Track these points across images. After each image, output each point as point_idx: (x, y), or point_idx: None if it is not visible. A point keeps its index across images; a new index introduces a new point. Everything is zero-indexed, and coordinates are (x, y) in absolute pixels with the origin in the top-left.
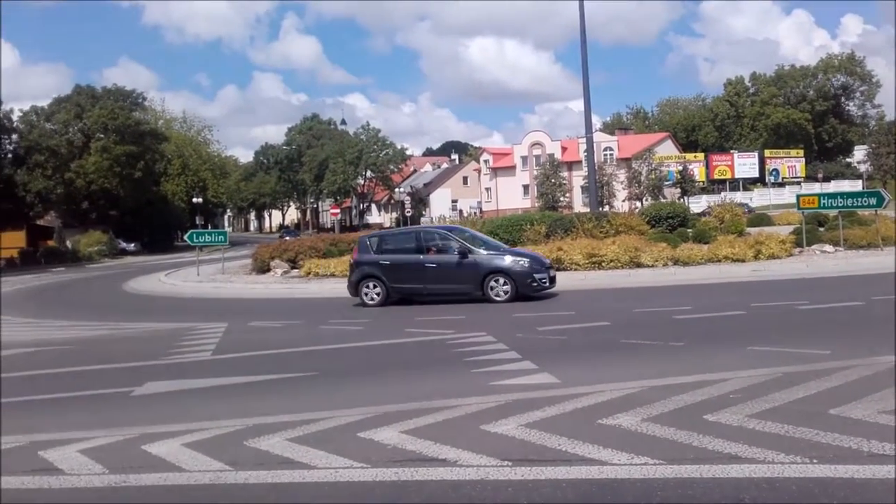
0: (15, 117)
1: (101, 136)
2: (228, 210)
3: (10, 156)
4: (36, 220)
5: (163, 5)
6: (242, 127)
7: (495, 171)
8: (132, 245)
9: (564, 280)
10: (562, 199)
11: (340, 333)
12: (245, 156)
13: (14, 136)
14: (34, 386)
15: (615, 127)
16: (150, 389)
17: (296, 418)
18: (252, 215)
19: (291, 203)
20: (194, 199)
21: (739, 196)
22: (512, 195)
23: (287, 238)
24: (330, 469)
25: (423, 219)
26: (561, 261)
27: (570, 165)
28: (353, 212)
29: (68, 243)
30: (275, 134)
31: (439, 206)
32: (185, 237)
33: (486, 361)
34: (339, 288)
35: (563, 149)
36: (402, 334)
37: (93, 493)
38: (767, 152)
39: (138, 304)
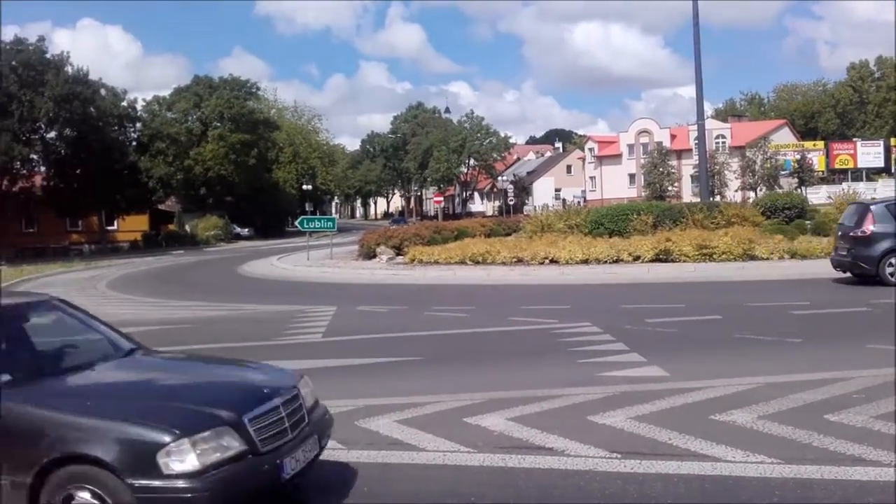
0: (139, 106)
1: (218, 124)
2: (336, 197)
3: (134, 143)
4: (158, 205)
5: None
6: (349, 115)
7: (600, 160)
8: (246, 230)
9: (673, 272)
10: (670, 188)
11: (444, 320)
12: (352, 144)
13: (138, 125)
14: None
15: (728, 114)
16: None
17: (403, 401)
18: (358, 202)
19: (396, 190)
20: (304, 186)
21: (862, 186)
22: (617, 184)
23: (394, 226)
24: (438, 452)
25: (526, 207)
26: (669, 252)
27: (680, 154)
28: (456, 200)
29: (187, 227)
30: (380, 122)
31: (542, 194)
32: (297, 223)
33: (592, 352)
34: (443, 275)
35: (672, 136)
36: (506, 322)
37: None
38: (894, 140)
39: (252, 287)
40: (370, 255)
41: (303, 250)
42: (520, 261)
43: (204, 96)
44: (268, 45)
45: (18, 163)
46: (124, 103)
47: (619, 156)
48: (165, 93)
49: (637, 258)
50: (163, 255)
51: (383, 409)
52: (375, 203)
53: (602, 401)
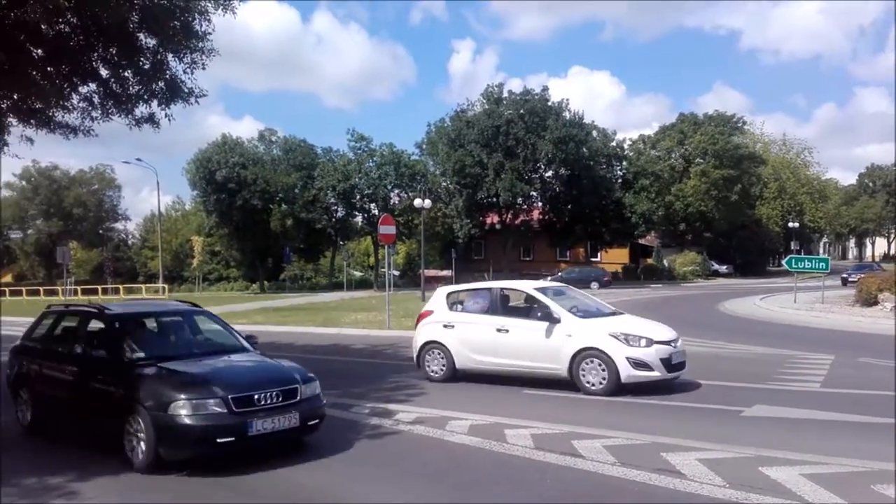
0: (626, 146)
1: (701, 160)
2: (825, 236)
3: (619, 180)
4: (638, 239)
5: (761, 29)
6: (841, 147)
7: None
8: (724, 267)
9: None
10: None
11: None
12: (845, 178)
13: (624, 163)
14: None
15: None
16: (760, 412)
17: None
18: (851, 242)
19: None
20: (790, 224)
21: None
22: None
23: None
24: None
25: None
26: None
27: None
28: None
29: (665, 262)
30: (879, 154)
31: None
32: (783, 262)
33: None
34: None
35: None
36: None
37: (711, 501)
38: None
39: (735, 326)
40: (870, 301)
41: (788, 292)
42: None
43: (688, 133)
44: (750, 78)
45: (520, 199)
46: (613, 143)
47: None
48: (647, 131)
49: None
50: (641, 287)
51: None
52: (873, 244)
53: None
